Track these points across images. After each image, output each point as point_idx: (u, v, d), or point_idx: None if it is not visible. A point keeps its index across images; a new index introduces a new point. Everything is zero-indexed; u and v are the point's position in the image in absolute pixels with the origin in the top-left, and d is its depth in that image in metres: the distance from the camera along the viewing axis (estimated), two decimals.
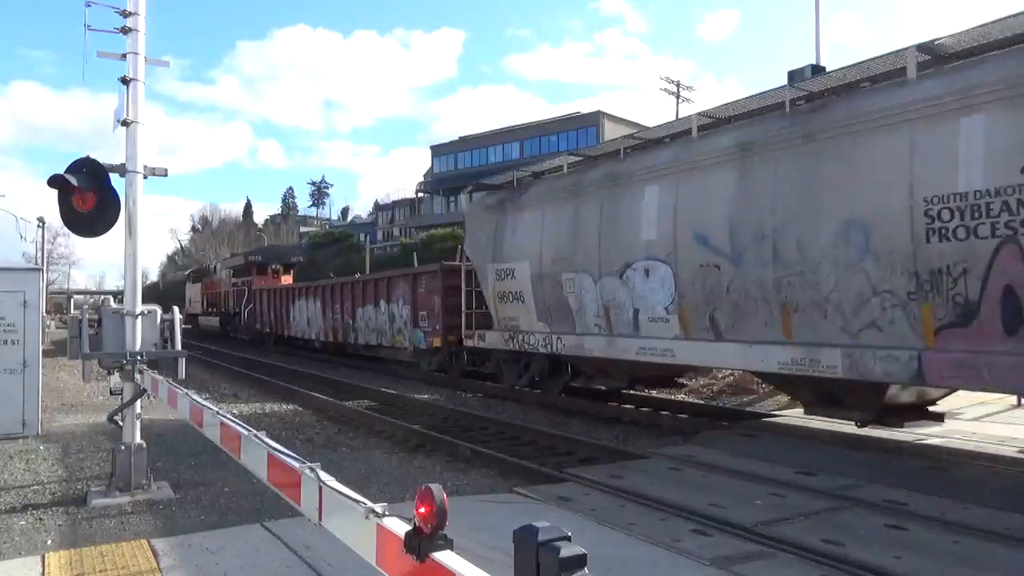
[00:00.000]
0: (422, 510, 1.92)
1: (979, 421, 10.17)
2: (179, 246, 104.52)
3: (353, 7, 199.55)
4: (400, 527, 2.07)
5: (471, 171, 64.60)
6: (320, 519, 2.64)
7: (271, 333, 30.53)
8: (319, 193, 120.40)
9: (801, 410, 11.85)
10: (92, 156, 7.08)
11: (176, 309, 7.70)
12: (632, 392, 14.58)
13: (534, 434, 10.62)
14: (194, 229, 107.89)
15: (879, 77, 8.54)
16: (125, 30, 7.18)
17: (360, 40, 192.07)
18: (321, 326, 24.88)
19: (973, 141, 6.83)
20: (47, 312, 30.20)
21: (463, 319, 15.49)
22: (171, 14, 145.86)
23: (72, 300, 55.73)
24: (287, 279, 34.77)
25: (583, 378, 13.85)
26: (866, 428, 9.12)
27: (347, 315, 22.68)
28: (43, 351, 10.60)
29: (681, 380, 14.17)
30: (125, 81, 7.20)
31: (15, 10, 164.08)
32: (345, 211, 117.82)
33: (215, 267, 44.21)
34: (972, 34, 7.43)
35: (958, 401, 10.27)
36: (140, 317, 7.30)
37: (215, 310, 40.22)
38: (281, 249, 47.64)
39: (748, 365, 9.71)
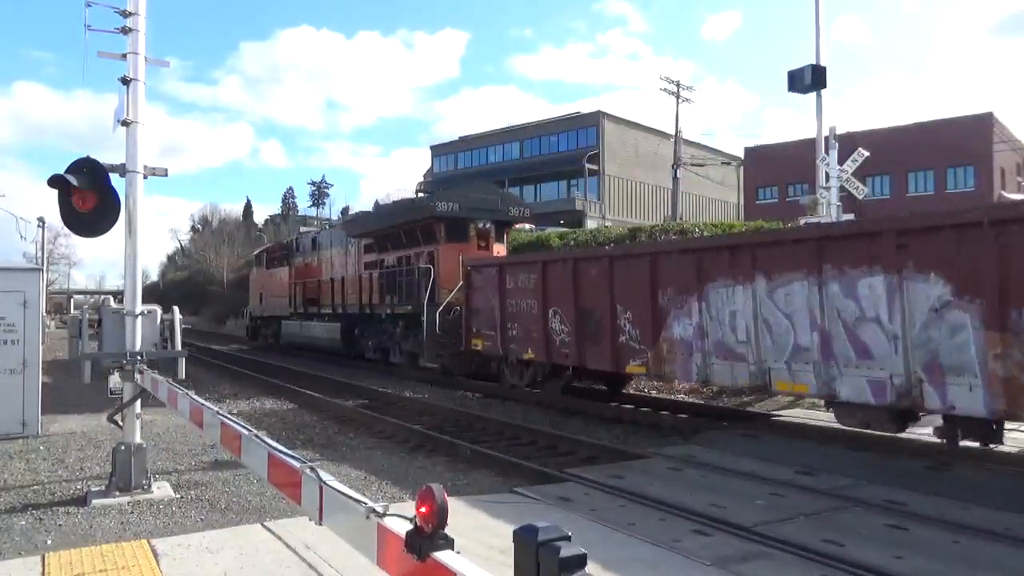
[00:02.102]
0: (423, 509, 1.93)
1: None
2: (179, 246, 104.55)
3: (357, 8, 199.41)
4: (401, 526, 2.07)
5: (471, 171, 64.72)
6: (321, 519, 2.64)
7: (550, 365, 13.47)
8: (319, 193, 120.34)
9: (801, 410, 11.88)
10: (93, 156, 7.10)
11: (176, 309, 7.71)
12: (632, 392, 14.56)
13: (534, 434, 10.62)
14: (194, 229, 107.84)
15: None
16: (125, 30, 7.19)
17: (363, 41, 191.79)
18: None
19: None
20: (47, 312, 30.19)
21: None
22: (174, 15, 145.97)
23: (72, 300, 55.83)
24: (500, 249, 19.05)
25: None
26: (866, 428, 9.12)
27: None
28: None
29: None
30: (125, 81, 7.20)
31: (18, 10, 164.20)
32: (345, 211, 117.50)
33: (314, 239, 27.02)
34: None
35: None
36: (140, 317, 7.30)
37: (326, 311, 24.04)
38: (481, 194, 20.42)
39: None
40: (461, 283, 16.21)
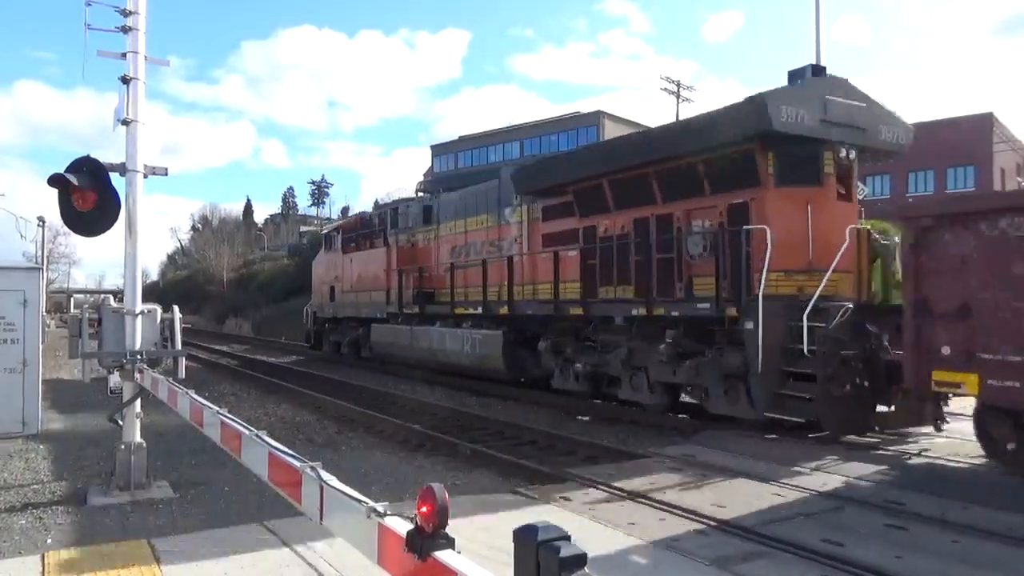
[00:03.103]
0: (424, 509, 1.93)
1: None
2: (179, 245, 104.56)
3: (359, 8, 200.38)
4: (402, 526, 2.07)
5: (471, 171, 64.70)
6: (321, 518, 2.64)
7: None
8: (319, 193, 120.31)
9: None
10: (93, 155, 7.09)
11: (176, 308, 7.70)
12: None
13: (534, 434, 10.61)
14: (194, 228, 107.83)
15: None
16: (125, 29, 7.19)
17: (365, 40, 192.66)
18: None
19: None
20: (47, 311, 30.11)
21: None
22: (175, 14, 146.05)
23: (72, 299, 55.76)
24: (850, 206, 10.74)
25: None
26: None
27: None
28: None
29: None
30: (125, 80, 7.20)
31: (20, 10, 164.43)
32: (345, 211, 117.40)
33: (427, 208, 19.35)
34: None
35: (960, 401, 10.18)
36: (140, 316, 7.30)
37: (466, 311, 16.20)
38: (833, 93, 10.17)
39: None
40: (836, 262, 9.62)
